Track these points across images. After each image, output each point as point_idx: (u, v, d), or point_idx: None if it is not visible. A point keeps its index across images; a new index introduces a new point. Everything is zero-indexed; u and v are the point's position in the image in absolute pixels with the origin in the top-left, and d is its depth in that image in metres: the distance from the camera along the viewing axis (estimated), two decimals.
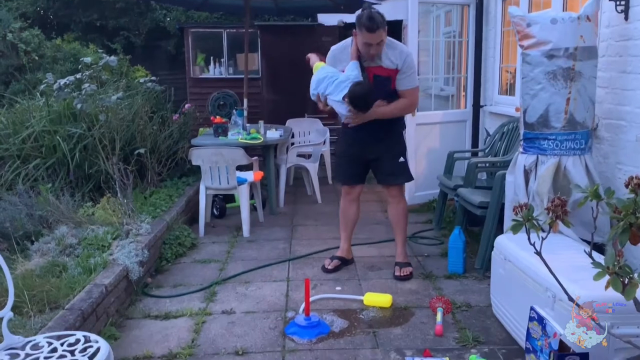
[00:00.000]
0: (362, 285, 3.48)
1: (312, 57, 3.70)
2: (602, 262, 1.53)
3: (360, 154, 3.58)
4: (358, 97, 3.28)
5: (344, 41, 3.52)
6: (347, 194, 3.77)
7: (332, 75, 3.40)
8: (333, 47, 3.55)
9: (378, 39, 3.21)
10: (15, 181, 4.48)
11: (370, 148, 3.53)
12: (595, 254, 1.64)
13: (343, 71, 3.39)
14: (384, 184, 3.68)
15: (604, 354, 2.01)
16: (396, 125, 3.55)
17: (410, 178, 3.70)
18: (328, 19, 8.00)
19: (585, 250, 1.54)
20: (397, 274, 3.58)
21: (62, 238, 3.52)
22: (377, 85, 3.36)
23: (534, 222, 1.44)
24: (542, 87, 3.04)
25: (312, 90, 3.52)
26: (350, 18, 8.07)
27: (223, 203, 5.22)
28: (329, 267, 3.72)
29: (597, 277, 1.35)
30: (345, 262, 3.82)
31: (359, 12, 3.28)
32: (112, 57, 4.51)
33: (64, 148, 4.58)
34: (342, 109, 3.38)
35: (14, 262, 3.21)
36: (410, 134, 5.17)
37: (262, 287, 3.49)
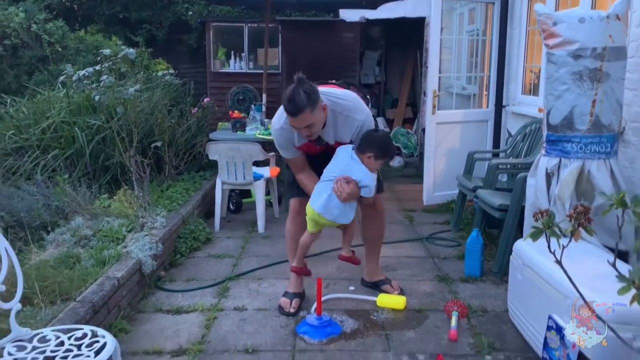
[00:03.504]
0: None
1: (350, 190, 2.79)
2: (627, 274, 1.45)
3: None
4: (384, 141, 2.89)
5: (277, 113, 2.95)
6: (300, 212, 3.08)
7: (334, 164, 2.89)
8: (274, 122, 2.96)
9: (304, 123, 2.67)
10: (34, 171, 4.52)
11: None
12: (619, 264, 1.56)
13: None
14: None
15: None
16: None
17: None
18: (349, 15, 7.95)
19: (608, 261, 1.46)
20: (396, 291, 3.26)
21: (78, 229, 3.53)
22: None
23: (555, 229, 1.37)
24: (567, 88, 2.94)
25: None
26: (373, 14, 8.02)
27: (239, 198, 5.21)
28: (292, 310, 3.05)
29: (621, 291, 1.27)
30: (304, 297, 3.23)
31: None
32: (131, 50, 4.50)
33: (82, 139, 4.60)
34: (368, 179, 2.81)
35: (29, 252, 3.23)
36: (430, 133, 5.10)
37: (274, 284, 3.46)
